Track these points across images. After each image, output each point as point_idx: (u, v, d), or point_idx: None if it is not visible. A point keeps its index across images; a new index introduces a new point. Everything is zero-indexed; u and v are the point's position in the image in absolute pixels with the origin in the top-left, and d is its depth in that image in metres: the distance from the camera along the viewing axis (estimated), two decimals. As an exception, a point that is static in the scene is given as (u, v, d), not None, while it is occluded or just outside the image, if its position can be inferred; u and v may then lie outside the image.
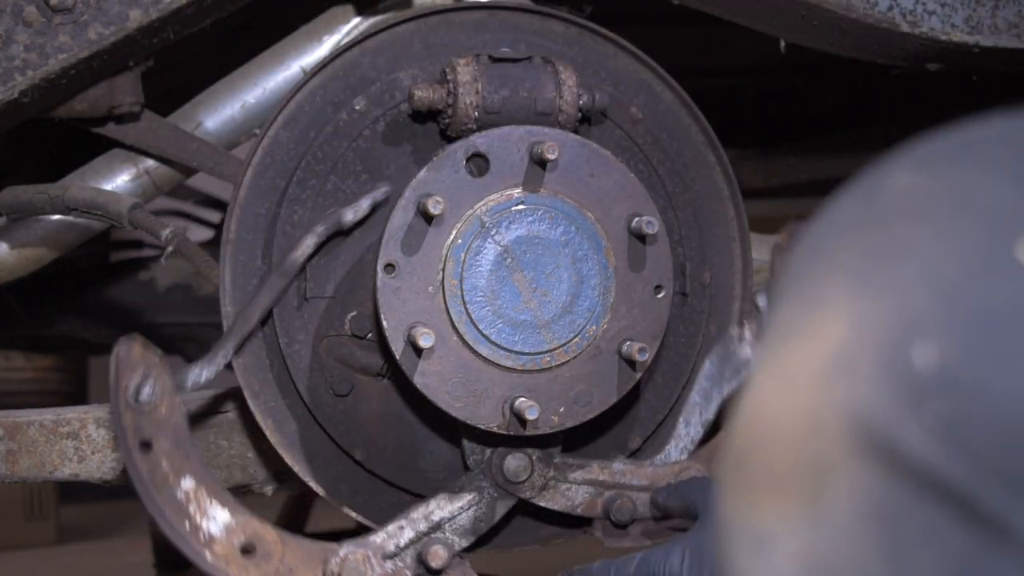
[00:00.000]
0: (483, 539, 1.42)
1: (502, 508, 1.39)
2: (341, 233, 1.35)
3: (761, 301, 1.49)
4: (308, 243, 1.32)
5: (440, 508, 1.37)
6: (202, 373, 1.29)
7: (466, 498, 1.37)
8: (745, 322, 1.49)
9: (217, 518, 1.27)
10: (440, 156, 1.31)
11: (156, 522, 1.25)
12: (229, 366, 1.35)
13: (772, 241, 1.59)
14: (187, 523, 1.26)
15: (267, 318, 1.36)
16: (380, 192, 1.34)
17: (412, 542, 1.36)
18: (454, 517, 1.38)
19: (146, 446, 1.24)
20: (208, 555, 1.26)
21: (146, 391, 1.23)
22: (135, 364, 1.24)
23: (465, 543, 1.38)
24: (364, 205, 1.34)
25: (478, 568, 1.41)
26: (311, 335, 1.37)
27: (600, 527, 1.43)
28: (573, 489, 1.41)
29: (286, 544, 1.31)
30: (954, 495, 0.52)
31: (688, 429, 1.46)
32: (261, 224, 1.37)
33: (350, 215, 1.33)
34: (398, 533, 1.35)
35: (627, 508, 1.40)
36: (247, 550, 1.28)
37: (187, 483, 1.26)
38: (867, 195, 0.62)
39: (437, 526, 1.37)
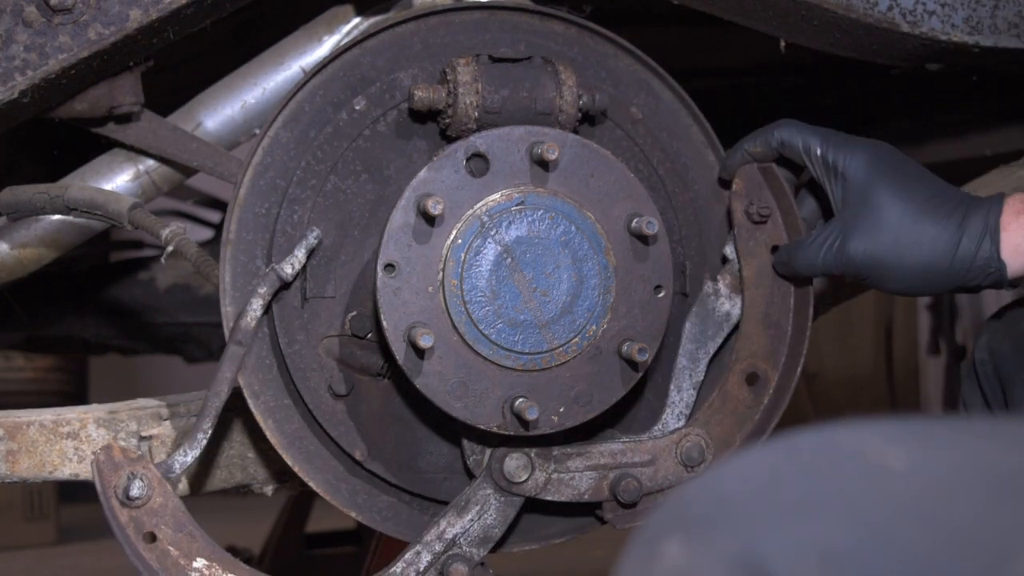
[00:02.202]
0: (498, 543, 1.42)
1: (511, 510, 1.40)
2: (284, 287, 1.34)
3: (729, 251, 1.48)
4: (255, 307, 1.31)
5: (451, 525, 1.37)
6: (187, 455, 1.30)
7: (474, 509, 1.38)
8: (718, 276, 1.48)
9: None
10: (440, 156, 1.31)
11: None
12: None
13: None
14: None
15: (266, 314, 1.36)
16: (312, 237, 1.34)
17: (431, 564, 1.37)
18: (467, 530, 1.38)
19: (150, 538, 1.26)
20: None
21: (136, 487, 1.26)
22: (118, 465, 1.27)
23: (483, 552, 1.38)
24: (299, 255, 1.33)
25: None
26: (311, 335, 1.37)
27: (609, 509, 1.43)
28: (577, 477, 1.41)
29: None
30: None
31: (681, 394, 1.46)
32: (261, 224, 1.37)
33: (289, 268, 1.33)
34: (416, 560, 1.36)
35: (633, 487, 1.40)
36: None
37: (199, 563, 1.28)
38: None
39: (452, 543, 1.38)
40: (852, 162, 1.38)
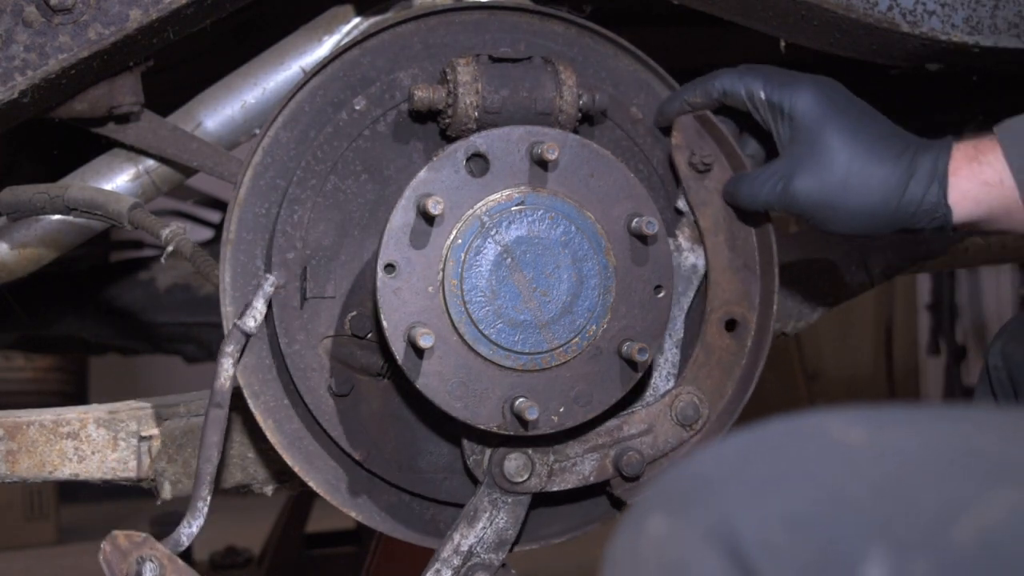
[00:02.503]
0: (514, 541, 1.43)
1: (520, 509, 1.40)
2: (249, 339, 1.34)
3: (681, 204, 1.46)
4: (226, 366, 1.31)
5: (464, 537, 1.38)
6: (192, 526, 1.31)
7: (483, 516, 1.38)
8: (676, 231, 1.47)
9: None
10: (440, 156, 1.31)
11: None
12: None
13: None
14: None
15: (267, 318, 1.36)
16: (268, 285, 1.33)
17: None
18: (481, 539, 1.38)
19: None
20: None
21: (148, 571, 1.26)
22: (125, 553, 1.28)
23: (502, 555, 1.39)
24: (259, 307, 1.33)
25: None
26: (311, 335, 1.37)
27: (617, 485, 1.43)
28: (579, 462, 1.41)
29: None
30: None
31: (665, 355, 1.45)
32: (261, 224, 1.37)
33: (251, 322, 1.32)
34: None
35: (636, 460, 1.41)
36: None
37: None
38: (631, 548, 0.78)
39: (469, 554, 1.38)
40: (798, 101, 1.36)
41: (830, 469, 0.73)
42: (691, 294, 1.46)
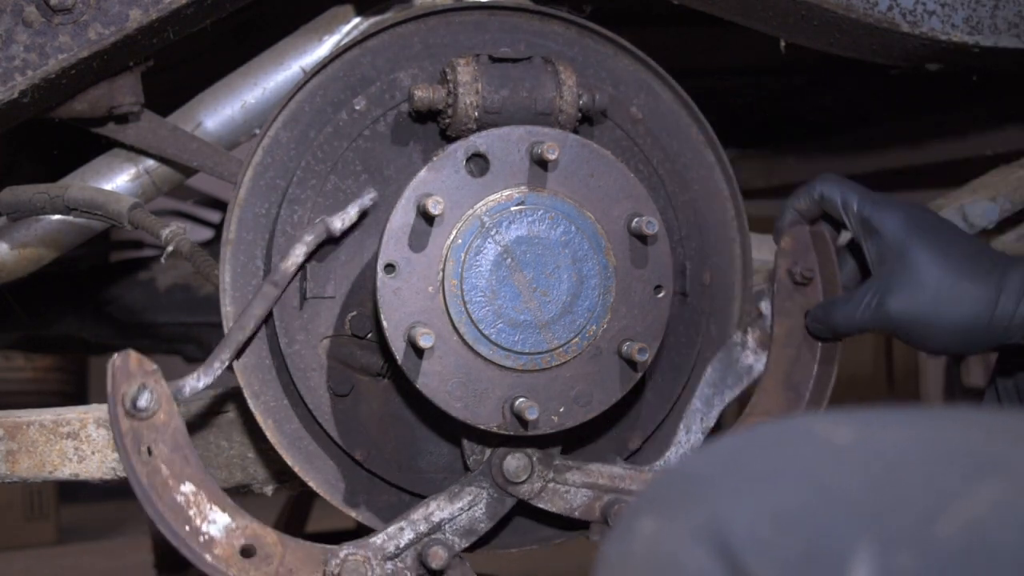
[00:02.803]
0: (483, 539, 1.42)
1: (501, 509, 1.39)
2: (332, 241, 1.35)
3: (764, 307, 1.50)
4: (298, 252, 1.32)
5: (440, 509, 1.37)
6: (199, 381, 1.30)
7: (466, 499, 1.38)
8: (748, 328, 1.49)
9: (217, 521, 1.28)
10: (440, 156, 1.31)
11: (157, 526, 1.26)
12: (229, 368, 1.35)
13: (772, 241, 1.59)
14: (187, 527, 1.27)
15: (267, 319, 1.36)
16: (368, 198, 1.34)
17: (412, 543, 1.36)
18: (454, 518, 1.38)
19: (145, 452, 1.26)
20: (208, 557, 1.27)
21: (144, 399, 1.25)
22: (132, 373, 1.26)
23: (465, 543, 1.38)
24: (352, 212, 1.33)
25: (479, 567, 1.41)
26: (311, 335, 1.37)
27: (597, 531, 1.43)
28: (572, 492, 1.41)
29: (286, 546, 1.31)
30: None
31: (689, 436, 1.46)
32: (261, 224, 1.37)
33: (338, 223, 1.33)
34: (398, 534, 1.36)
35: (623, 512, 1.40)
36: (247, 552, 1.29)
37: (187, 487, 1.27)
38: (622, 545, 0.80)
39: (437, 527, 1.37)
40: (888, 219, 1.39)
41: (818, 466, 0.75)
42: (737, 391, 1.49)
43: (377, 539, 1.35)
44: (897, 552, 0.68)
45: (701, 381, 1.47)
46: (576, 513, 1.41)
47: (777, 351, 1.48)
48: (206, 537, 1.27)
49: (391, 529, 1.35)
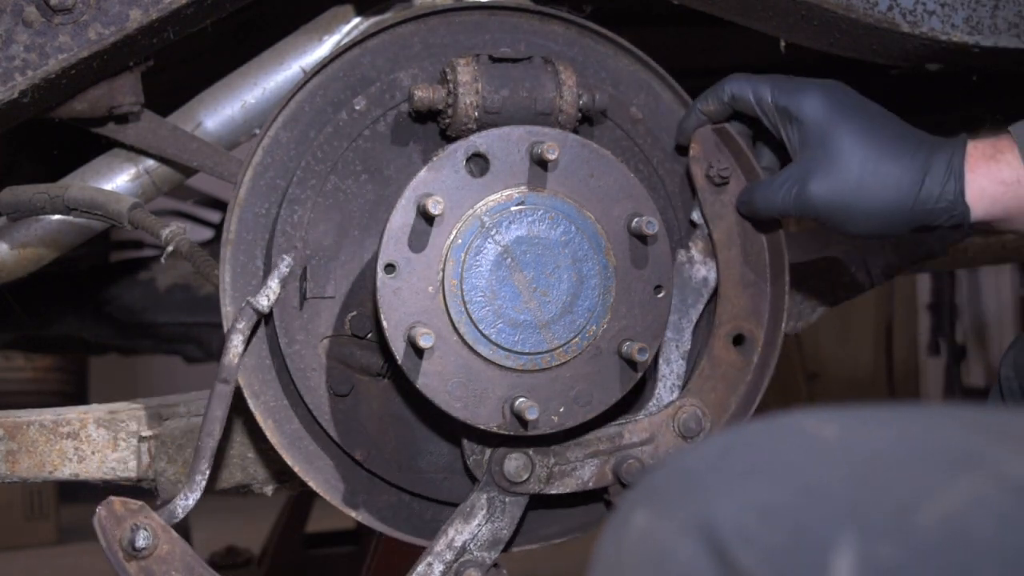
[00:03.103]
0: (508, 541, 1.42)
1: (517, 509, 1.40)
2: (263, 319, 1.34)
3: (696, 217, 1.47)
4: (236, 343, 1.31)
5: (459, 532, 1.38)
6: (187, 499, 1.31)
7: (480, 514, 1.38)
8: (689, 243, 1.47)
9: None
10: (440, 156, 1.31)
11: None
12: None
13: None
14: None
15: (268, 319, 1.36)
16: (283, 266, 1.33)
17: (444, 574, 1.37)
18: (476, 535, 1.38)
19: None
20: None
21: (141, 539, 1.27)
22: (120, 518, 1.28)
23: (494, 554, 1.39)
24: (273, 286, 1.33)
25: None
26: (311, 335, 1.37)
27: (615, 492, 1.43)
28: (578, 467, 1.41)
29: None
30: None
31: (671, 366, 1.45)
32: (261, 224, 1.37)
33: (264, 301, 1.32)
34: (428, 571, 1.37)
35: (635, 468, 1.41)
36: None
37: None
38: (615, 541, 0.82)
39: (463, 550, 1.38)
40: (807, 105, 1.36)
41: (804, 462, 0.77)
42: (700, 307, 1.46)
43: None
44: (878, 542, 0.70)
45: None
46: (590, 484, 1.41)
47: (724, 254, 1.45)
48: None
49: (420, 568, 1.37)
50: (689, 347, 1.46)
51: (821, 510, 0.73)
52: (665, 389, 1.45)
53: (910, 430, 0.78)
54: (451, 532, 1.38)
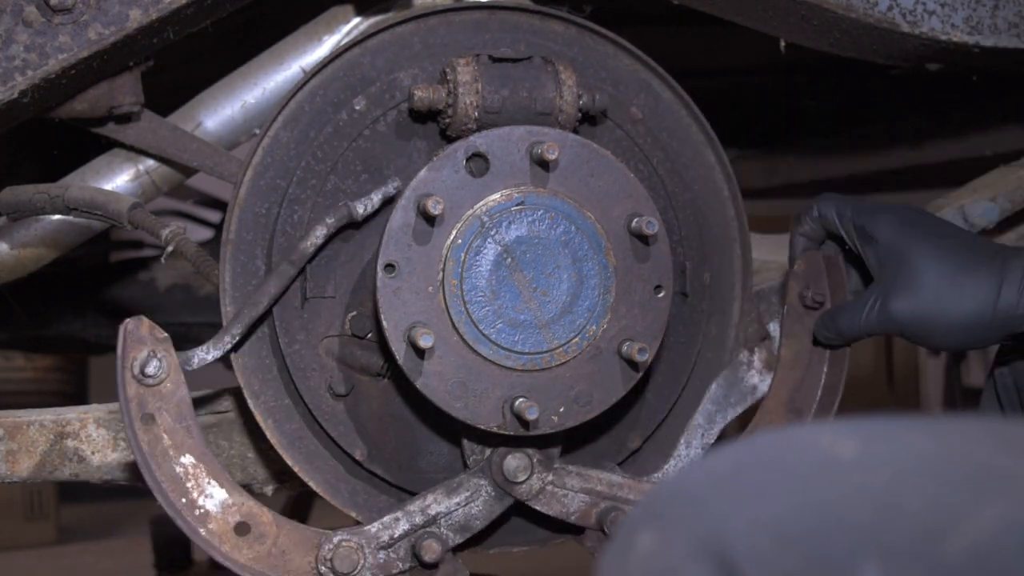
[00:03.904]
0: (477, 538, 1.42)
1: (498, 507, 1.40)
2: (352, 226, 1.35)
3: (772, 328, 1.50)
4: (319, 233, 1.32)
5: (437, 502, 1.37)
6: (208, 353, 1.31)
7: (463, 494, 1.38)
8: (755, 348, 1.49)
9: (214, 496, 1.29)
10: (440, 156, 1.31)
11: (153, 494, 1.26)
12: (229, 366, 1.36)
13: (772, 241, 1.59)
14: (184, 499, 1.27)
15: (267, 317, 1.36)
16: (391, 186, 1.35)
17: (406, 534, 1.36)
18: (450, 512, 1.38)
19: (149, 419, 1.26)
20: (202, 531, 1.28)
21: (152, 366, 1.26)
22: (142, 339, 1.27)
23: (459, 539, 1.38)
24: (375, 199, 1.34)
25: (481, 568, 1.41)
26: (311, 335, 1.37)
27: (592, 538, 1.43)
28: (569, 496, 1.41)
29: (280, 527, 1.32)
30: None
31: (688, 450, 1.47)
32: (261, 224, 1.37)
33: (361, 208, 1.33)
34: (393, 524, 1.36)
35: (619, 521, 1.40)
36: (241, 530, 1.30)
37: (187, 459, 1.28)
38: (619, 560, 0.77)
39: (433, 520, 1.37)
40: (882, 224, 1.40)
41: (821, 481, 0.73)
42: (740, 410, 1.49)
43: (372, 527, 1.35)
44: (905, 570, 0.67)
45: (704, 397, 1.48)
46: (572, 518, 1.41)
47: (783, 373, 1.49)
48: (202, 511, 1.28)
49: (387, 519, 1.36)
50: (713, 441, 1.48)
51: (841, 535, 0.69)
52: (674, 469, 1.47)
53: (932, 446, 0.75)
54: (429, 498, 1.37)
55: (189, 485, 1.28)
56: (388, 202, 1.35)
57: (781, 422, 1.48)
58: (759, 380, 1.49)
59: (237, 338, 1.31)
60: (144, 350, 1.26)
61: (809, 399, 1.49)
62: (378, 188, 1.34)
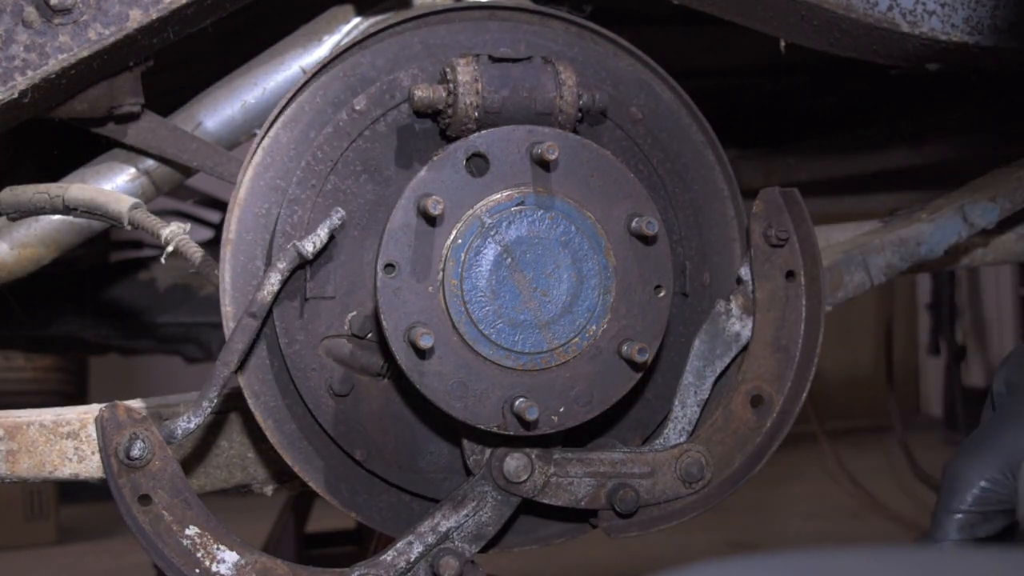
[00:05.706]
0: (491, 541, 1.42)
1: (507, 509, 1.40)
2: (303, 265, 1.34)
3: (744, 273, 1.49)
4: (273, 281, 1.31)
5: (446, 518, 1.38)
6: (190, 421, 1.31)
7: (470, 505, 1.38)
8: (731, 296, 1.48)
9: (226, 560, 1.30)
10: (440, 156, 1.31)
11: (166, 573, 1.27)
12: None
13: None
14: (197, 569, 1.28)
15: (267, 317, 1.36)
16: (336, 218, 1.34)
17: (422, 555, 1.37)
18: (461, 525, 1.38)
19: (145, 500, 1.27)
20: None
21: (137, 448, 1.27)
22: (121, 424, 1.28)
23: (475, 549, 1.39)
24: (322, 235, 1.33)
25: (481, 568, 1.41)
26: (311, 335, 1.37)
27: (605, 518, 1.43)
28: (575, 483, 1.41)
29: (297, 575, 1.32)
30: None
31: (685, 411, 1.46)
32: (261, 224, 1.37)
33: (310, 246, 1.32)
34: (408, 549, 1.36)
35: (630, 497, 1.41)
36: None
37: (191, 531, 1.29)
38: None
39: (445, 536, 1.38)
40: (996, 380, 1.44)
41: None
42: (727, 360, 1.48)
43: (388, 556, 1.36)
44: None
45: (690, 355, 1.47)
46: (582, 503, 1.41)
47: (762, 314, 1.47)
48: None
49: (400, 545, 1.36)
50: (707, 396, 1.47)
51: None
52: (675, 431, 1.46)
53: None
54: (438, 516, 1.38)
55: (200, 555, 1.28)
56: (335, 235, 1.34)
57: (769, 363, 1.47)
58: (740, 326, 1.48)
59: (215, 402, 1.32)
60: (125, 434, 1.27)
61: (793, 335, 1.48)
62: (323, 223, 1.33)
